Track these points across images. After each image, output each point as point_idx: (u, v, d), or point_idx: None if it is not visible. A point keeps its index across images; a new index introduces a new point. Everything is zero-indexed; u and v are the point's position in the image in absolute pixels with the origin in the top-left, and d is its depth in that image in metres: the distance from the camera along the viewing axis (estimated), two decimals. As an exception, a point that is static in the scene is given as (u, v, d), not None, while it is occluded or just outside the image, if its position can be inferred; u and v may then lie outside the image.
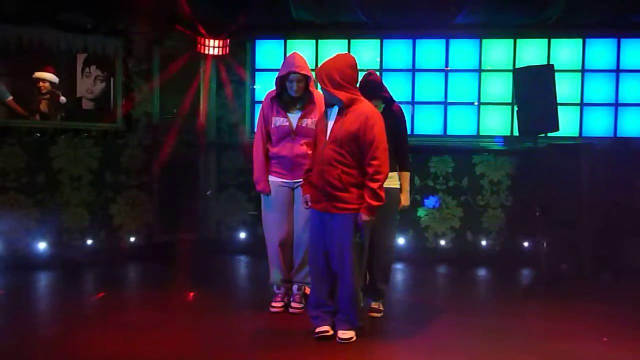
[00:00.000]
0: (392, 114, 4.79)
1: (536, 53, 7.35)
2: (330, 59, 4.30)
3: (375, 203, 4.16)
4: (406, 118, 5.01)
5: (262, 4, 7.00)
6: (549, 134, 6.67)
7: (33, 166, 6.59)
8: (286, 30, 7.65)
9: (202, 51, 7.36)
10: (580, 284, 6.17)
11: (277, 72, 4.88)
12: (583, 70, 7.34)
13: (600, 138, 7.22)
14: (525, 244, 7.16)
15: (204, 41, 7.32)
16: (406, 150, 4.88)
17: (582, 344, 4.39)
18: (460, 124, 7.53)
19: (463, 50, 7.52)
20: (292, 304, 4.98)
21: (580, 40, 7.34)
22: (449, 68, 7.53)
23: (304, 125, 4.87)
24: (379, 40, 7.61)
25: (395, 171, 4.80)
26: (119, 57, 7.01)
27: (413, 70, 7.59)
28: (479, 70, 7.48)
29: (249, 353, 4.19)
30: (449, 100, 7.54)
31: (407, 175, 4.90)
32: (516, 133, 6.98)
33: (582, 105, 7.36)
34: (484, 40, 7.46)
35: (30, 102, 6.90)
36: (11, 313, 5.08)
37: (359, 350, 4.18)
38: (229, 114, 7.79)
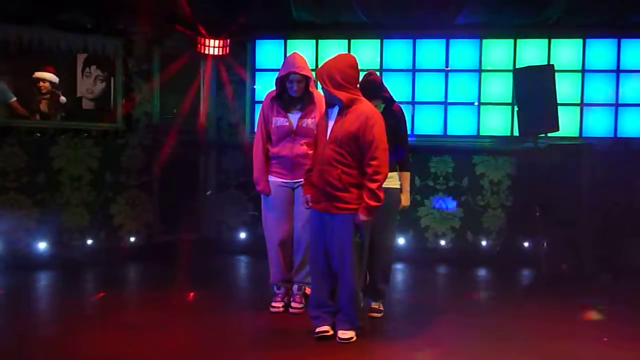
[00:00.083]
0: (393, 114, 4.79)
1: (536, 53, 7.34)
2: (331, 59, 4.30)
3: (373, 203, 4.15)
4: (406, 118, 5.01)
5: (263, 4, 7.00)
6: (549, 134, 6.67)
7: (33, 166, 6.58)
8: (286, 30, 7.65)
9: (202, 51, 7.36)
10: (580, 284, 6.17)
11: (277, 72, 4.88)
12: (583, 71, 7.33)
13: (600, 138, 7.21)
14: (526, 244, 7.16)
15: (204, 41, 7.32)
16: (406, 150, 4.88)
17: (582, 344, 4.39)
18: (461, 124, 7.53)
19: (463, 51, 7.51)
20: (292, 304, 4.98)
21: (580, 41, 7.33)
22: (449, 68, 7.53)
23: (304, 125, 4.87)
24: (379, 40, 7.61)
25: (396, 171, 4.79)
26: (119, 57, 7.00)
27: (413, 71, 7.58)
28: (479, 71, 7.48)
29: (249, 353, 4.19)
30: (449, 101, 7.53)
31: (407, 175, 4.90)
32: (516, 133, 6.98)
33: (582, 105, 7.36)
34: (484, 41, 7.46)
35: (30, 102, 6.91)
36: (11, 313, 5.08)
37: (359, 351, 4.18)
38: (229, 114, 7.79)
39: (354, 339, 4.26)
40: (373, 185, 4.15)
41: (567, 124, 7.05)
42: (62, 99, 7.07)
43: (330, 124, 4.29)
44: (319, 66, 4.37)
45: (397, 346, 4.36)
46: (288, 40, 7.73)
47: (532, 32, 7.31)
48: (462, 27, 7.25)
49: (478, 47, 7.47)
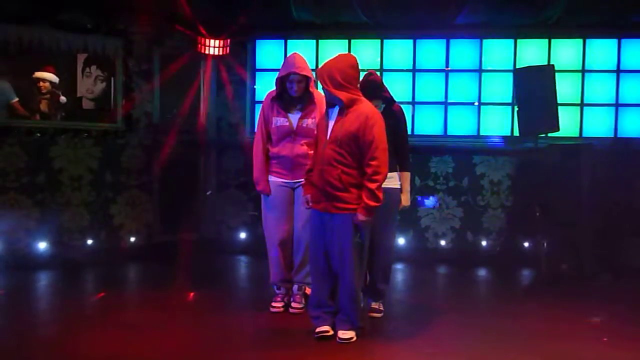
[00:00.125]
0: (393, 114, 4.78)
1: (536, 53, 7.34)
2: (331, 59, 4.30)
3: (372, 203, 4.15)
4: (406, 118, 5.01)
5: (263, 4, 6.99)
6: (549, 134, 6.67)
7: (33, 166, 6.58)
8: (286, 30, 7.65)
9: (202, 51, 7.36)
10: (580, 284, 6.17)
11: (278, 73, 4.88)
12: (583, 71, 7.33)
13: (600, 138, 7.21)
14: (526, 244, 7.15)
15: (204, 41, 7.32)
16: (407, 150, 4.87)
17: (583, 344, 4.39)
18: (461, 124, 7.53)
19: (463, 51, 7.51)
20: (293, 304, 4.98)
21: (580, 41, 7.33)
22: (449, 68, 7.53)
23: (304, 125, 4.87)
24: (379, 40, 7.61)
25: (396, 171, 4.79)
26: (119, 57, 7.00)
27: (413, 71, 7.58)
28: (480, 71, 7.48)
29: (249, 353, 4.19)
30: (449, 101, 7.53)
31: (407, 175, 4.89)
32: (516, 133, 6.98)
33: (582, 105, 7.36)
34: (484, 41, 7.46)
35: (30, 102, 6.91)
36: (11, 313, 5.08)
37: (359, 351, 4.17)
38: (229, 114, 7.78)
39: (354, 339, 4.26)
40: (372, 186, 4.14)
41: (567, 124, 7.05)
42: (62, 99, 7.07)
43: (331, 124, 4.29)
44: (320, 66, 4.37)
45: (397, 346, 4.37)
46: (288, 40, 7.73)
47: (532, 32, 7.31)
48: (463, 27, 7.25)
49: (478, 47, 7.48)
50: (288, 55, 5.09)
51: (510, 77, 7.29)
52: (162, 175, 7.30)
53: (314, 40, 7.66)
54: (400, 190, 4.85)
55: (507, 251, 7.17)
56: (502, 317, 5.04)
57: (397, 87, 7.26)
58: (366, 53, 7.55)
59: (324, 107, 4.49)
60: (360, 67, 4.33)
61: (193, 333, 4.51)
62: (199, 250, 7.06)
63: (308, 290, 4.92)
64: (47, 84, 6.93)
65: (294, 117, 4.90)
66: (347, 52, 7.02)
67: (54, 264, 6.46)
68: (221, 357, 4.11)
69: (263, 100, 5.07)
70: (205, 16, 7.15)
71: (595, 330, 4.67)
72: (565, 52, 7.35)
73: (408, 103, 7.47)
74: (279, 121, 4.90)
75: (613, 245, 6.63)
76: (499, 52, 7.46)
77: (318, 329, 4.31)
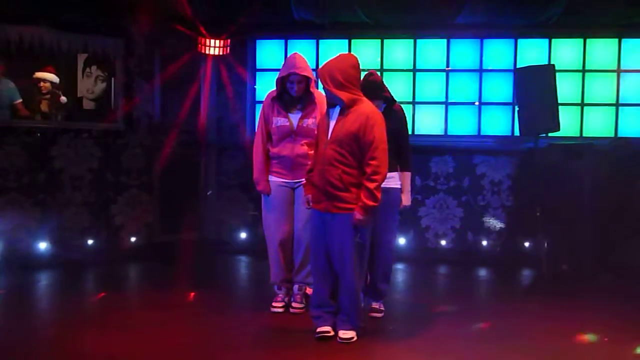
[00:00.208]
0: (393, 113, 4.78)
1: (537, 53, 7.34)
2: (332, 59, 4.29)
3: (370, 203, 4.15)
4: (407, 118, 5.00)
5: (263, 4, 6.99)
6: (550, 134, 6.66)
7: (34, 166, 6.59)
8: (287, 30, 7.65)
9: (202, 51, 7.36)
10: (580, 284, 6.16)
11: (278, 73, 4.88)
12: (584, 70, 7.33)
13: (601, 138, 7.21)
14: (526, 244, 7.15)
15: (205, 41, 7.32)
16: (407, 150, 4.87)
17: (583, 344, 4.38)
18: (461, 124, 7.53)
19: (464, 50, 7.51)
20: (293, 304, 4.97)
21: (581, 40, 7.33)
22: (449, 68, 7.53)
23: (304, 125, 4.87)
24: (379, 40, 7.61)
25: (396, 171, 4.79)
26: (119, 57, 7.01)
27: (414, 70, 7.58)
28: (480, 70, 7.48)
29: (250, 353, 4.19)
30: (449, 100, 7.54)
31: (408, 175, 4.89)
32: (517, 133, 6.98)
33: (582, 105, 7.36)
34: (485, 40, 7.46)
35: (31, 102, 6.92)
36: (12, 313, 5.08)
37: (360, 351, 4.17)
38: (229, 114, 7.78)
39: (355, 339, 4.26)
40: (371, 185, 4.14)
41: (568, 124, 7.05)
42: (63, 99, 7.07)
43: (332, 124, 4.28)
44: (321, 66, 4.37)
45: (397, 346, 4.36)
46: (288, 40, 7.74)
47: (532, 32, 7.31)
48: (463, 27, 7.25)
49: (479, 47, 7.47)
50: (289, 55, 5.08)
51: (510, 76, 7.29)
52: (163, 176, 7.30)
53: (314, 40, 7.67)
54: (401, 190, 4.85)
55: (508, 251, 7.16)
56: (503, 317, 5.04)
57: (398, 87, 7.26)
58: (366, 53, 7.55)
59: (325, 107, 4.49)
60: (361, 67, 4.33)
61: (193, 333, 4.51)
62: (199, 250, 7.07)
63: (309, 290, 4.92)
64: (48, 84, 6.94)
65: (295, 117, 4.89)
66: (348, 52, 7.04)
67: (54, 264, 6.46)
68: (221, 357, 4.11)
69: (263, 100, 5.07)
70: (206, 16, 7.16)
71: (596, 330, 4.66)
72: (566, 52, 7.35)
73: (408, 103, 7.48)
74: (279, 121, 4.90)
75: (613, 245, 6.62)
76: (499, 51, 7.47)
77: (319, 329, 4.31)
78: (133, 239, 7.20)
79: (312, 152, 4.59)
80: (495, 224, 7.26)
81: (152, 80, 7.24)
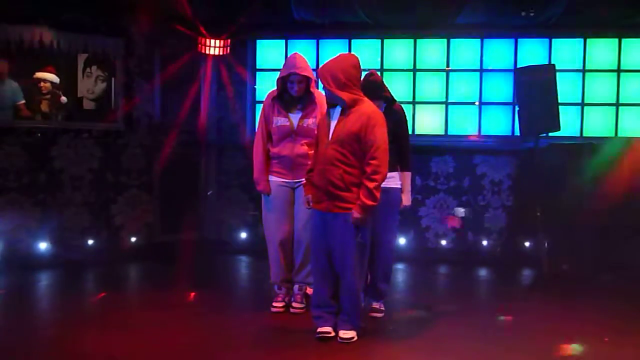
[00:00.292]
0: (394, 113, 4.78)
1: (537, 53, 7.34)
2: (333, 59, 4.29)
3: (369, 202, 4.15)
4: (407, 118, 5.00)
5: (263, 4, 6.99)
6: (550, 134, 6.66)
7: (34, 166, 6.59)
8: (287, 30, 7.65)
9: (202, 51, 7.36)
10: (580, 284, 6.15)
11: (279, 73, 4.88)
12: (584, 70, 7.33)
13: (601, 138, 7.20)
14: (527, 244, 7.15)
15: (205, 41, 7.32)
16: (408, 150, 4.87)
17: (583, 344, 4.38)
18: (462, 124, 7.53)
19: (464, 50, 7.51)
20: (293, 304, 4.97)
21: (581, 40, 7.33)
22: (450, 68, 7.52)
23: (304, 125, 4.86)
24: (380, 40, 7.61)
25: (397, 171, 4.79)
26: (119, 57, 7.01)
27: (414, 70, 7.58)
28: (480, 70, 7.48)
29: (250, 353, 4.18)
30: (450, 100, 7.53)
31: (408, 175, 4.89)
32: (517, 133, 6.98)
33: (583, 105, 7.36)
34: (485, 40, 7.46)
35: (31, 102, 6.92)
36: (12, 313, 5.08)
37: (360, 351, 4.17)
38: (229, 114, 7.78)
39: (355, 338, 4.26)
40: (371, 185, 4.14)
41: (568, 124, 7.05)
42: (63, 99, 7.07)
43: (333, 124, 4.28)
44: (321, 66, 4.37)
45: (398, 346, 4.36)
46: (289, 40, 7.74)
47: (533, 31, 7.30)
48: (463, 26, 7.25)
49: (479, 46, 7.47)
50: (289, 55, 5.08)
51: (511, 76, 7.29)
52: (163, 176, 7.30)
53: (315, 40, 7.67)
54: (401, 189, 4.85)
55: (508, 251, 7.16)
56: (503, 317, 5.04)
57: (398, 87, 7.26)
58: (367, 53, 7.55)
59: (325, 107, 4.49)
60: (361, 67, 4.33)
61: (193, 333, 4.50)
62: (199, 250, 7.07)
63: (309, 290, 4.92)
64: (48, 84, 6.93)
65: (295, 117, 4.89)
66: (348, 52, 7.04)
67: (54, 264, 6.46)
68: (221, 357, 4.10)
69: (264, 100, 5.07)
70: (206, 16, 7.16)
71: (597, 329, 4.66)
72: (566, 51, 7.35)
73: (409, 103, 7.47)
74: (279, 121, 4.90)
75: (613, 245, 6.62)
76: (499, 51, 7.47)
77: (319, 329, 4.31)
78: (133, 239, 7.20)
79: (312, 152, 4.59)
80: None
81: (152, 80, 7.23)
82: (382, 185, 4.24)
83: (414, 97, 7.57)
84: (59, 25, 6.63)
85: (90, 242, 6.90)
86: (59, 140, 6.72)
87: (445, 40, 7.51)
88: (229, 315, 5.01)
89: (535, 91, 6.39)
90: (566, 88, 7.12)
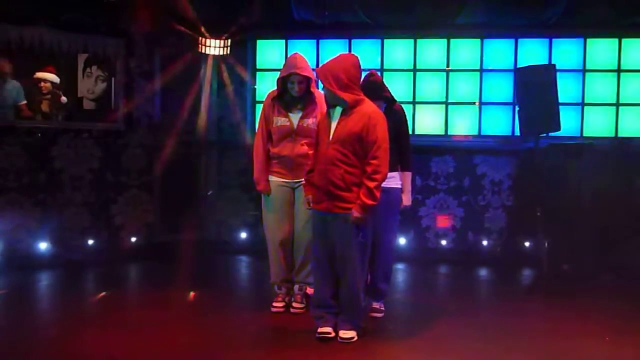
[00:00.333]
0: (394, 113, 4.78)
1: (537, 53, 7.34)
2: (334, 60, 4.29)
3: (369, 202, 4.15)
4: (407, 118, 5.00)
5: (263, 4, 7.00)
6: (550, 134, 6.66)
7: (34, 166, 6.59)
8: (287, 30, 7.65)
9: (203, 51, 7.36)
10: (581, 284, 6.15)
11: (279, 73, 4.88)
12: (584, 70, 7.33)
13: (601, 138, 7.20)
14: (527, 244, 7.15)
15: (205, 41, 7.32)
16: (408, 150, 4.87)
17: (584, 344, 4.38)
18: (462, 124, 7.52)
19: (464, 50, 7.51)
20: (294, 304, 4.97)
21: (581, 40, 7.32)
22: (450, 68, 7.52)
23: (304, 125, 4.86)
24: (380, 40, 7.60)
25: (397, 171, 4.79)
26: (119, 57, 7.01)
27: (414, 70, 7.58)
28: (481, 70, 7.48)
29: (250, 353, 4.19)
30: (450, 100, 7.53)
31: (408, 175, 4.89)
32: (517, 133, 6.97)
33: (583, 105, 7.35)
34: (485, 40, 7.45)
35: (31, 102, 6.92)
36: (12, 313, 5.08)
37: (360, 350, 4.17)
38: (229, 114, 7.77)
39: (355, 338, 4.26)
40: (372, 184, 4.15)
41: (568, 124, 7.05)
42: (63, 99, 7.07)
43: (333, 124, 4.28)
44: (321, 66, 4.36)
45: (398, 346, 4.36)
46: (289, 40, 7.73)
47: (533, 31, 7.30)
48: (463, 26, 7.25)
49: (479, 46, 7.47)
50: (289, 55, 5.08)
51: (511, 76, 7.28)
52: (163, 176, 7.30)
53: (315, 40, 7.66)
54: (402, 189, 4.85)
55: (508, 251, 7.16)
56: (503, 317, 5.04)
57: (398, 87, 7.26)
58: (367, 53, 7.54)
59: (325, 107, 4.49)
60: (361, 66, 4.33)
61: (193, 333, 4.51)
62: (199, 250, 7.06)
63: (309, 290, 4.93)
64: (48, 84, 6.94)
65: (295, 117, 4.89)
66: (348, 52, 7.03)
67: (54, 264, 6.46)
68: (222, 357, 4.10)
69: (264, 100, 5.07)
70: (206, 16, 7.16)
71: (597, 329, 4.66)
72: (566, 51, 7.34)
73: (409, 103, 7.47)
74: (279, 121, 4.90)
75: (613, 245, 6.62)
76: (499, 51, 7.46)
77: (320, 330, 4.31)
78: (133, 239, 7.20)
79: (312, 152, 4.59)
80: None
81: (152, 80, 7.23)
82: (382, 185, 4.25)
83: (414, 97, 7.56)
84: (59, 25, 6.63)
85: (91, 242, 6.90)
86: (59, 140, 6.72)
87: (445, 40, 7.51)
88: (229, 315, 5.02)
89: (535, 91, 6.39)
90: (566, 88, 7.11)
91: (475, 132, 7.49)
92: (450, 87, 7.52)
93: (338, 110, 4.30)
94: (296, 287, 5.02)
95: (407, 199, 4.89)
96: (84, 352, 4.09)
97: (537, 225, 6.40)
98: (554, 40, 7.34)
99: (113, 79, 7.07)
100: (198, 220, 7.60)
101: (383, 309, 4.96)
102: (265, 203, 5.04)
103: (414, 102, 7.55)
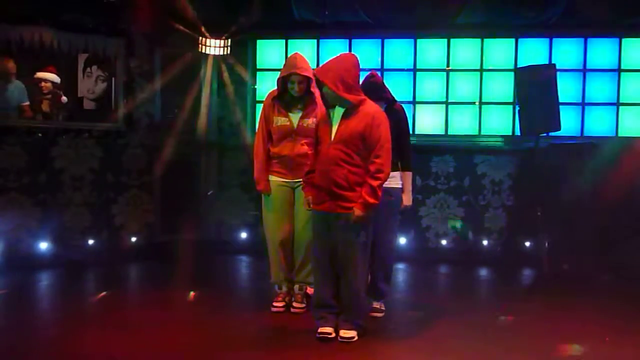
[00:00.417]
0: (394, 113, 4.78)
1: (538, 52, 7.34)
2: (335, 61, 4.27)
3: (371, 200, 4.16)
4: (408, 117, 5.00)
5: (263, 4, 7.00)
6: (551, 134, 6.65)
7: (34, 166, 6.59)
8: (287, 29, 7.65)
9: (203, 51, 7.36)
10: (580, 284, 6.16)
11: (279, 73, 4.88)
12: (585, 70, 7.33)
13: (601, 138, 7.20)
14: (527, 243, 7.14)
15: (205, 41, 7.31)
16: (408, 150, 4.87)
17: (584, 344, 4.38)
18: (462, 124, 7.52)
19: (464, 50, 7.51)
20: (294, 304, 4.97)
21: (582, 40, 7.32)
22: (450, 68, 7.52)
23: (305, 125, 4.86)
24: (380, 40, 7.60)
25: (397, 171, 4.79)
26: (120, 57, 7.01)
27: (414, 70, 7.58)
28: (481, 70, 7.47)
29: (251, 353, 4.18)
30: (450, 100, 7.53)
31: (409, 174, 4.89)
32: (518, 133, 6.97)
33: (583, 104, 7.35)
34: (485, 40, 7.45)
35: (32, 102, 6.92)
36: (12, 313, 5.08)
37: (361, 350, 4.17)
38: (230, 114, 7.78)
39: (356, 338, 4.26)
40: (374, 183, 4.15)
41: (569, 123, 7.05)
42: (64, 99, 7.06)
43: (335, 124, 4.28)
44: (320, 67, 4.36)
45: (398, 346, 4.36)
46: (289, 40, 7.73)
47: (533, 31, 7.30)
48: (464, 26, 7.24)
49: (479, 46, 7.47)
50: (289, 55, 5.07)
51: (511, 76, 7.29)
52: (163, 176, 7.30)
53: (315, 40, 7.66)
54: (402, 189, 4.85)
55: (508, 251, 7.16)
56: (503, 317, 5.04)
57: (398, 87, 7.26)
58: (367, 53, 7.54)
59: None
60: (361, 67, 4.33)
61: (194, 333, 4.51)
62: (199, 250, 7.06)
63: (309, 290, 4.93)
64: (49, 84, 6.92)
65: (295, 117, 4.89)
66: (348, 52, 7.02)
67: (55, 264, 6.46)
68: (221, 357, 4.10)
69: (264, 99, 5.07)
70: (206, 16, 7.16)
71: (597, 329, 4.66)
72: (567, 51, 7.34)
73: (409, 102, 7.47)
74: (279, 121, 4.90)
75: (613, 245, 6.61)
76: (500, 51, 7.46)
77: (320, 330, 4.30)
78: (133, 239, 7.20)
79: (312, 152, 4.59)
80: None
81: (152, 80, 7.23)
82: (383, 185, 4.25)
83: (414, 97, 7.56)
84: (59, 25, 6.63)
85: (91, 242, 6.90)
86: (59, 140, 6.72)
87: (445, 40, 7.51)
88: (229, 315, 5.02)
89: (535, 91, 6.39)
90: (567, 88, 7.11)
91: (476, 132, 7.49)
92: (450, 87, 7.52)
93: (339, 110, 4.30)
94: (296, 287, 5.02)
95: (407, 199, 4.89)
96: (84, 352, 4.09)
97: (537, 225, 6.40)
98: (554, 40, 7.34)
99: (113, 79, 7.07)
100: (198, 220, 7.60)
101: (383, 308, 4.96)
102: (265, 203, 5.04)
103: (414, 102, 7.55)
